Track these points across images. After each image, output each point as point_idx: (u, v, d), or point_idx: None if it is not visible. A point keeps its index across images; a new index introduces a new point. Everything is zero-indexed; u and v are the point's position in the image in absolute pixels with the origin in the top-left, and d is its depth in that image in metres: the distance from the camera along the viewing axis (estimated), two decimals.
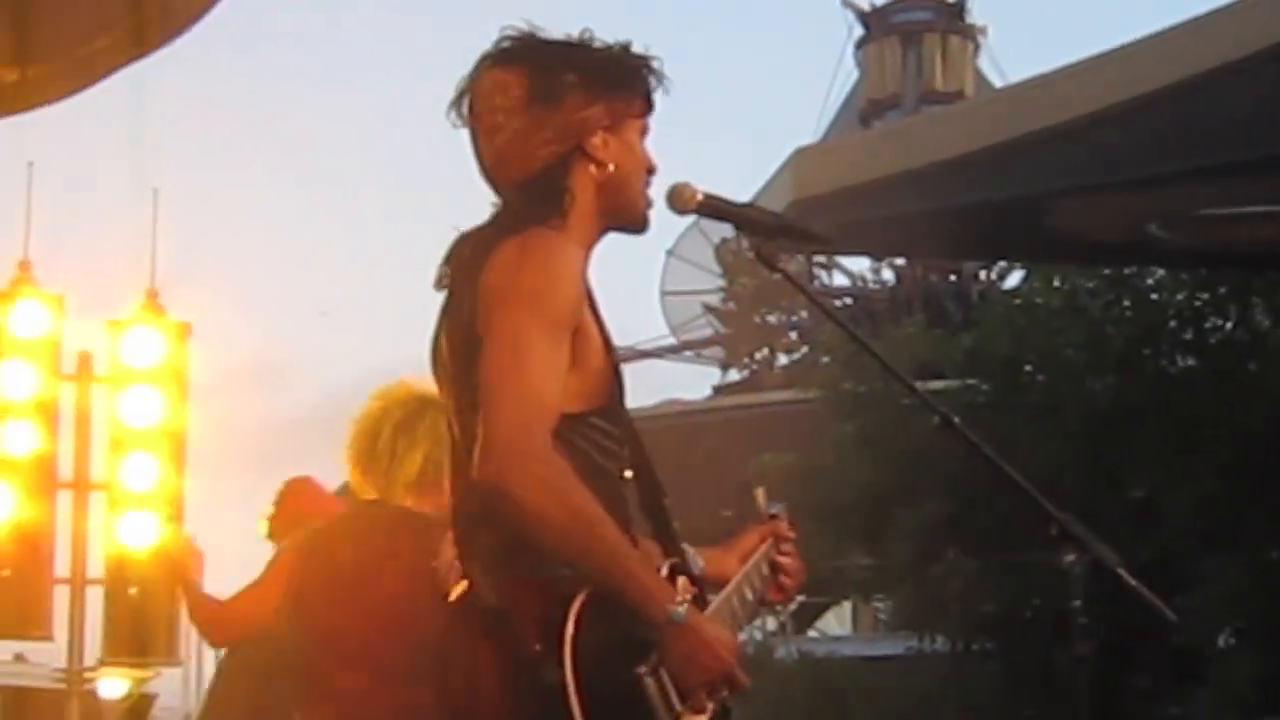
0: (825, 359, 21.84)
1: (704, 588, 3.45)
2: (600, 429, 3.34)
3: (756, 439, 21.41)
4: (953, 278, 33.97)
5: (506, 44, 3.50)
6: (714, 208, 3.48)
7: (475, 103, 3.50)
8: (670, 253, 33.27)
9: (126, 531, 8.84)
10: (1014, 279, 30.33)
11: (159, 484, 8.96)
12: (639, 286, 32.61)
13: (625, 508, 3.33)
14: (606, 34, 3.54)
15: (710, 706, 3.19)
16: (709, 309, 33.77)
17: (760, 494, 3.82)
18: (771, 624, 28.55)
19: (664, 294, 33.70)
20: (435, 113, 3.55)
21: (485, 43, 3.52)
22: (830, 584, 22.59)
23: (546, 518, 3.09)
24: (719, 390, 33.25)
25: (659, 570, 3.29)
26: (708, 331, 34.15)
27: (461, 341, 3.35)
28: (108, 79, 9.02)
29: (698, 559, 3.58)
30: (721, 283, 33.38)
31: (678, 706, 3.13)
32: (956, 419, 3.49)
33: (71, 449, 9.28)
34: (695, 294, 33.39)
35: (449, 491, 3.45)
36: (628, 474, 3.43)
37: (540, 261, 3.30)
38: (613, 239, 3.55)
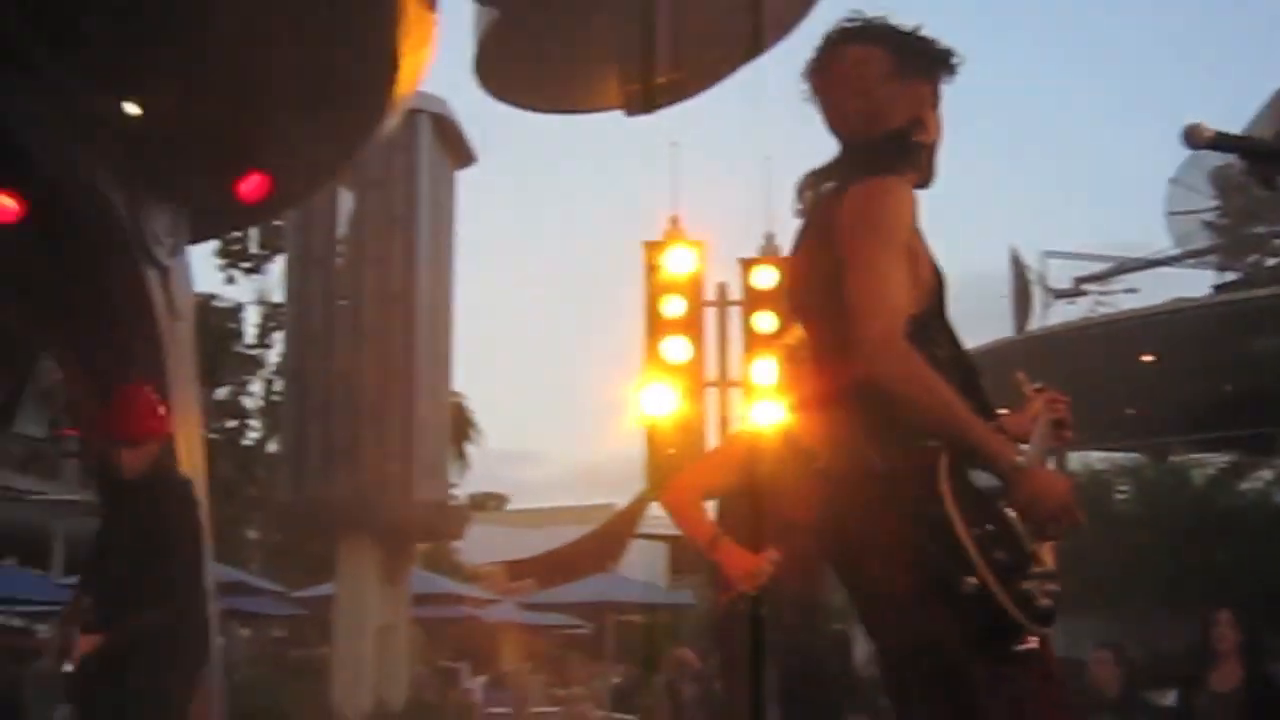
0: None
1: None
2: (928, 325, 3.78)
3: (1250, 327, 22.59)
4: None
5: (860, 24, 4.02)
6: (1223, 141, 3.57)
7: (842, 69, 3.99)
8: (1173, 181, 34.31)
9: (759, 417, 10.28)
10: None
11: (780, 380, 9.91)
12: (1149, 209, 32.69)
13: (969, 386, 3.80)
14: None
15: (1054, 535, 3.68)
16: (1207, 225, 34.48)
17: (1022, 376, 4.16)
18: None
19: (1169, 214, 34.60)
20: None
21: None
22: None
23: (914, 402, 3.59)
24: (1218, 289, 33.74)
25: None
26: (1207, 243, 34.75)
27: (828, 262, 3.79)
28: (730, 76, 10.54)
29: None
30: (1217, 203, 34.07)
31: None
32: None
33: (715, 356, 11.17)
34: (1195, 213, 34.20)
35: (816, 387, 3.92)
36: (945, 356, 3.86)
37: (891, 202, 3.79)
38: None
